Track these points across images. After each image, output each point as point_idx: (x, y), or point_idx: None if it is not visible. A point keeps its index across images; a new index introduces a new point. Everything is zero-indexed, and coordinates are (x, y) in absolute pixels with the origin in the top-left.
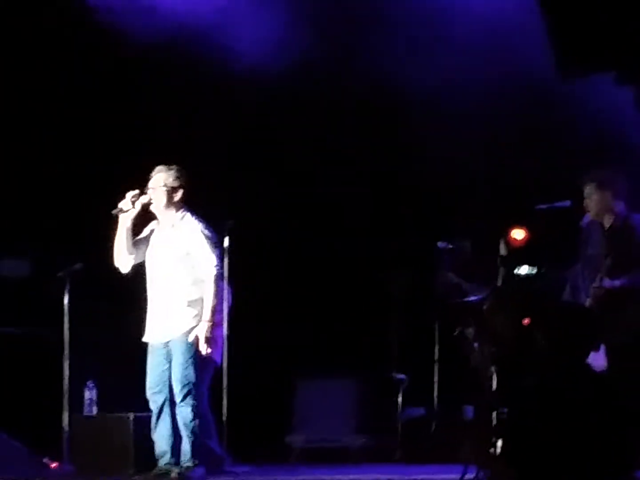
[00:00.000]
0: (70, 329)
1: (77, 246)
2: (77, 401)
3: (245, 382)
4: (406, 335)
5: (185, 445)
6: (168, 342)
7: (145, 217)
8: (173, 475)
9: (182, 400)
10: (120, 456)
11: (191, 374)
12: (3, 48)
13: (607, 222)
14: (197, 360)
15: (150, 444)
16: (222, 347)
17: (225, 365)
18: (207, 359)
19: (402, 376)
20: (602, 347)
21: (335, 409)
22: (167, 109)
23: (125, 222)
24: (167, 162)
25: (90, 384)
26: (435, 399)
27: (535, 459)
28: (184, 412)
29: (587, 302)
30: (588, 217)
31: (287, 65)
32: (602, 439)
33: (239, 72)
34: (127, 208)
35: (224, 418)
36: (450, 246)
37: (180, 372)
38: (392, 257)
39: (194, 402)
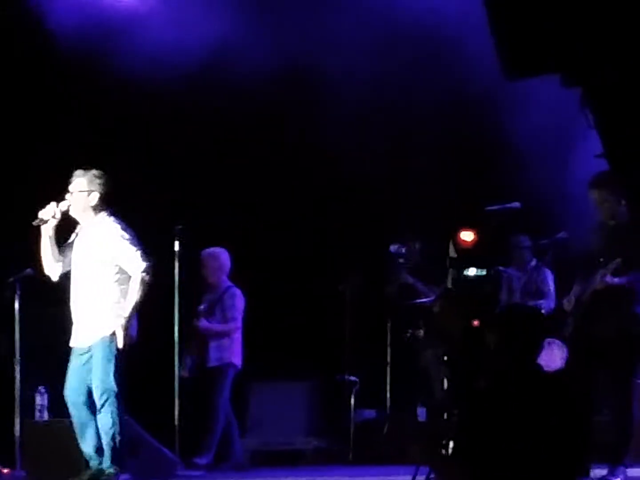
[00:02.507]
0: (20, 334)
1: (26, 251)
2: (28, 407)
3: (198, 386)
4: (358, 337)
5: (106, 453)
6: (90, 346)
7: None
8: (105, 477)
9: (101, 407)
10: (71, 462)
11: (111, 381)
12: None
13: (612, 222)
14: (118, 366)
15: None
16: (241, 351)
17: (176, 369)
18: (224, 364)
19: (354, 378)
20: (557, 347)
21: (289, 412)
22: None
23: (47, 231)
24: (104, 167)
25: (41, 389)
26: (388, 401)
27: (486, 460)
28: (104, 420)
29: (586, 294)
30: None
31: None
32: (553, 440)
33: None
34: (47, 217)
35: (176, 422)
36: (403, 249)
37: (99, 379)
38: (344, 260)
39: (114, 409)
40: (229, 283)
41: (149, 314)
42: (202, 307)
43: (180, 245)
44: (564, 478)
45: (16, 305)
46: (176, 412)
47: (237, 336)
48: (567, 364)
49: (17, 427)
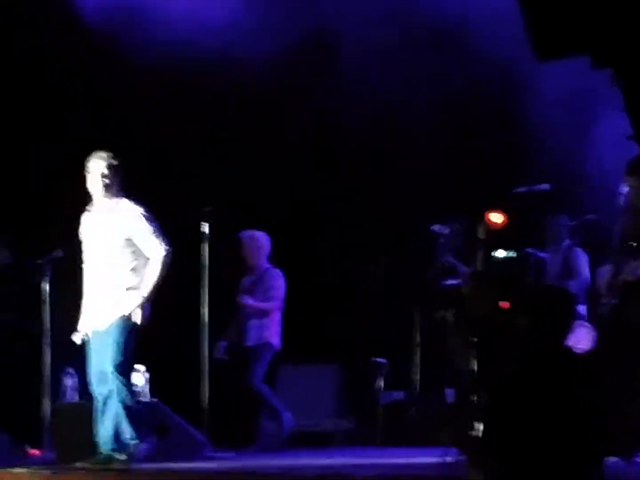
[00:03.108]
0: (50, 316)
1: (56, 233)
2: (57, 389)
3: (227, 368)
4: (386, 319)
5: (125, 425)
6: (107, 327)
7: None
8: (117, 462)
9: (117, 384)
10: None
11: (124, 355)
12: None
13: None
14: (132, 341)
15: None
16: (280, 332)
17: (206, 352)
18: (262, 344)
19: (382, 360)
20: (588, 329)
21: (317, 394)
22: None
23: None
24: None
25: (69, 371)
26: (416, 383)
27: (513, 443)
28: (121, 392)
29: (619, 281)
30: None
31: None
32: (580, 424)
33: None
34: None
35: (205, 404)
36: (445, 229)
37: (114, 353)
38: (372, 243)
39: (127, 384)
40: (268, 264)
41: (177, 297)
42: (245, 284)
43: (209, 227)
44: (592, 460)
45: (46, 287)
46: (206, 394)
47: (277, 317)
48: (596, 345)
49: (45, 410)
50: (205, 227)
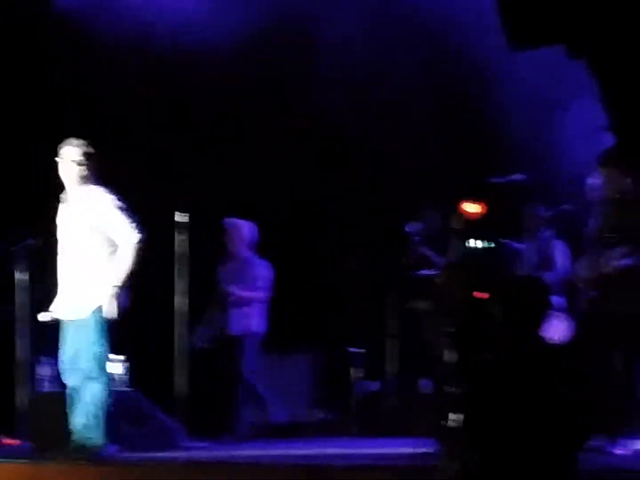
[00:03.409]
0: (23, 304)
1: (29, 221)
2: (33, 378)
3: (208, 357)
4: (362, 309)
5: (93, 422)
6: (80, 317)
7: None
8: (88, 452)
9: (91, 377)
10: None
11: (100, 349)
12: None
13: (617, 196)
14: (108, 335)
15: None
16: (264, 321)
17: (183, 341)
18: (248, 333)
19: (358, 350)
20: (562, 320)
21: (292, 384)
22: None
23: None
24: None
25: (43, 360)
26: (391, 374)
27: (490, 433)
28: (93, 389)
29: (595, 273)
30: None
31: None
32: (557, 414)
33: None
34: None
35: (183, 393)
36: (419, 226)
37: (89, 347)
38: (347, 232)
39: (103, 378)
40: (249, 253)
41: (154, 286)
42: (225, 272)
43: (188, 217)
44: (568, 449)
45: (19, 275)
46: (183, 384)
47: (262, 306)
48: (572, 336)
49: (18, 399)
50: (183, 217)
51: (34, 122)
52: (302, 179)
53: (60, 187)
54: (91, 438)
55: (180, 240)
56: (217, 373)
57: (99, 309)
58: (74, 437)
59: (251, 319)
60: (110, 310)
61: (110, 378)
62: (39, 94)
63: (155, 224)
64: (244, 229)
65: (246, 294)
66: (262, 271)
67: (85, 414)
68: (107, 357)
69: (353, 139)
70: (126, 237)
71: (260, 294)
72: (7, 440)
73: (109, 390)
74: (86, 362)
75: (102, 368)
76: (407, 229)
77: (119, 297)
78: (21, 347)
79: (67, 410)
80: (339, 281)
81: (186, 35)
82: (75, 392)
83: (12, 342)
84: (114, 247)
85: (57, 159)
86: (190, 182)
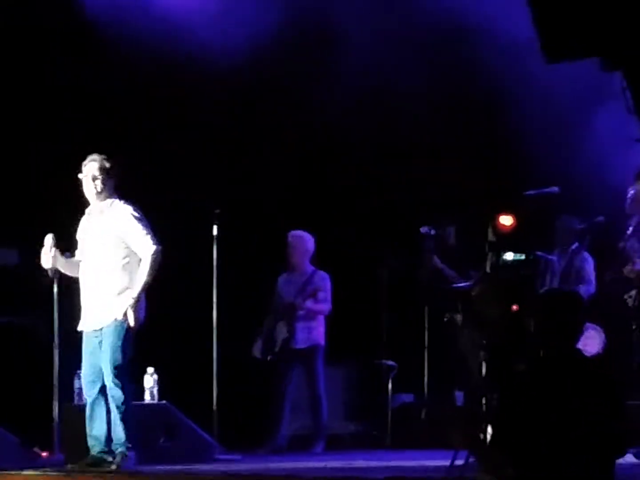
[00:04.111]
0: (60, 318)
1: (66, 235)
2: (67, 391)
3: (235, 370)
4: (396, 321)
5: (118, 429)
6: (100, 329)
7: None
8: (107, 464)
9: (113, 385)
10: None
11: (122, 362)
12: None
13: None
14: (129, 343)
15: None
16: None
17: (215, 354)
18: (313, 345)
19: (392, 363)
20: (597, 332)
21: (327, 396)
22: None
23: (60, 265)
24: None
25: (79, 373)
26: (425, 385)
27: (525, 445)
28: (116, 395)
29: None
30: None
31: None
32: (592, 424)
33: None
34: (48, 265)
35: (214, 406)
36: (433, 232)
37: (110, 356)
38: (382, 243)
39: (126, 385)
40: (312, 267)
41: (187, 299)
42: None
43: (218, 229)
44: (604, 461)
45: (55, 288)
46: (214, 396)
47: (324, 318)
48: (605, 349)
49: (55, 411)
50: (214, 229)
51: (59, 136)
52: (334, 184)
53: (85, 202)
54: (107, 451)
55: (216, 252)
56: (272, 385)
57: (119, 321)
58: (91, 449)
59: (318, 332)
60: (130, 320)
61: (139, 390)
62: (73, 103)
63: (188, 236)
64: (309, 241)
65: (317, 307)
66: (327, 283)
67: (103, 426)
68: (129, 367)
69: (384, 148)
70: (145, 247)
71: (327, 307)
72: (42, 453)
73: (132, 400)
74: (108, 373)
75: (125, 378)
76: (421, 230)
77: (139, 307)
78: (57, 360)
79: (87, 422)
80: (373, 293)
81: (202, 36)
82: (97, 404)
83: (49, 355)
84: (132, 256)
85: (80, 175)
86: (221, 191)
